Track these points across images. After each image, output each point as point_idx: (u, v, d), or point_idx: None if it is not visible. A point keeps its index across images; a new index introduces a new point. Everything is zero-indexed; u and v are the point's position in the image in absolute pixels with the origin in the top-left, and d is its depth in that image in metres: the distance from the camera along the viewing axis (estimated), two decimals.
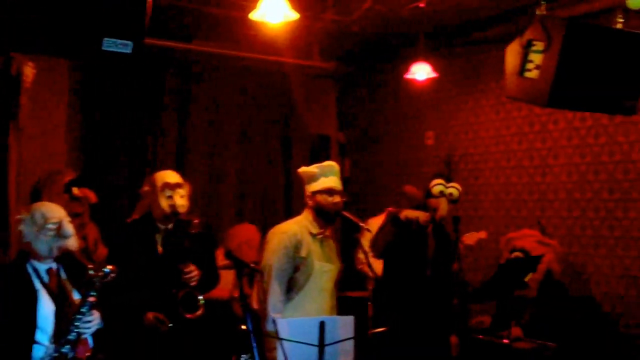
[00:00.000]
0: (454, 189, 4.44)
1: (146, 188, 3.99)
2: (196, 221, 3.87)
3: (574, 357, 4.96)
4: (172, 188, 3.90)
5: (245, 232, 5.84)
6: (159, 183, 3.92)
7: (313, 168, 4.04)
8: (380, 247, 4.55)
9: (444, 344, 4.53)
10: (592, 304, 5.54)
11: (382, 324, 4.46)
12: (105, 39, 2.90)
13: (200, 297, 3.80)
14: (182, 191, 3.93)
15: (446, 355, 4.53)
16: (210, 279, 4.01)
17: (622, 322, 5.39)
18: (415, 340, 4.40)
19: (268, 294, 3.87)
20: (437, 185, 4.44)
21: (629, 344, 5.36)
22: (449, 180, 4.50)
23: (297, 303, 3.93)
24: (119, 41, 2.90)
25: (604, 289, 5.53)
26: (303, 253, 3.93)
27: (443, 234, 4.59)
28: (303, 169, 4.10)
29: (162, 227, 3.93)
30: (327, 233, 4.08)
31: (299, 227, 4.00)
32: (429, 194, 4.48)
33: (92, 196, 4.92)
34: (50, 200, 4.01)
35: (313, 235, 3.99)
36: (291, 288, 3.95)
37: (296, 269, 3.93)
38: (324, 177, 3.99)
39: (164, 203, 3.87)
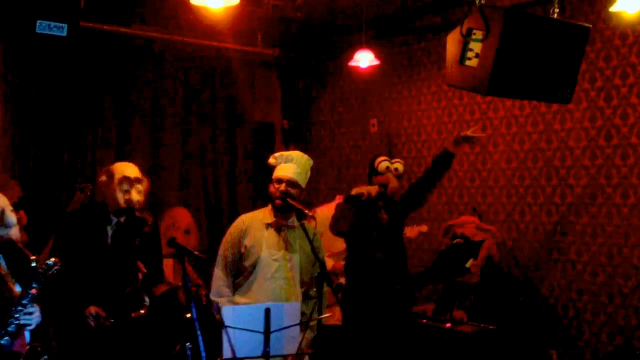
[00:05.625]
0: (398, 164, 4.61)
1: (103, 178, 3.82)
2: (150, 220, 3.78)
3: (513, 339, 5.10)
4: (131, 183, 3.77)
5: (173, 215, 5.80)
6: (118, 175, 3.77)
7: (271, 159, 4.03)
8: (338, 223, 4.53)
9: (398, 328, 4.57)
10: (530, 288, 5.69)
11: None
12: (39, 21, 2.79)
13: (147, 299, 3.70)
14: (140, 187, 3.81)
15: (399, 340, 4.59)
16: (155, 277, 3.94)
17: (559, 305, 5.56)
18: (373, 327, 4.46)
19: (213, 278, 3.99)
20: (383, 162, 4.57)
21: (565, 326, 5.53)
22: (391, 156, 4.67)
23: (244, 289, 3.96)
24: (54, 23, 2.79)
25: (541, 273, 5.67)
26: (247, 242, 3.95)
27: (395, 208, 4.66)
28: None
29: (114, 219, 3.82)
30: (291, 223, 3.99)
31: (252, 216, 4.04)
32: (374, 172, 4.59)
33: (24, 219, 4.70)
34: None
35: (267, 225, 3.98)
36: (239, 274, 3.98)
37: (242, 257, 3.95)
38: (278, 166, 3.98)
39: (120, 197, 3.74)
